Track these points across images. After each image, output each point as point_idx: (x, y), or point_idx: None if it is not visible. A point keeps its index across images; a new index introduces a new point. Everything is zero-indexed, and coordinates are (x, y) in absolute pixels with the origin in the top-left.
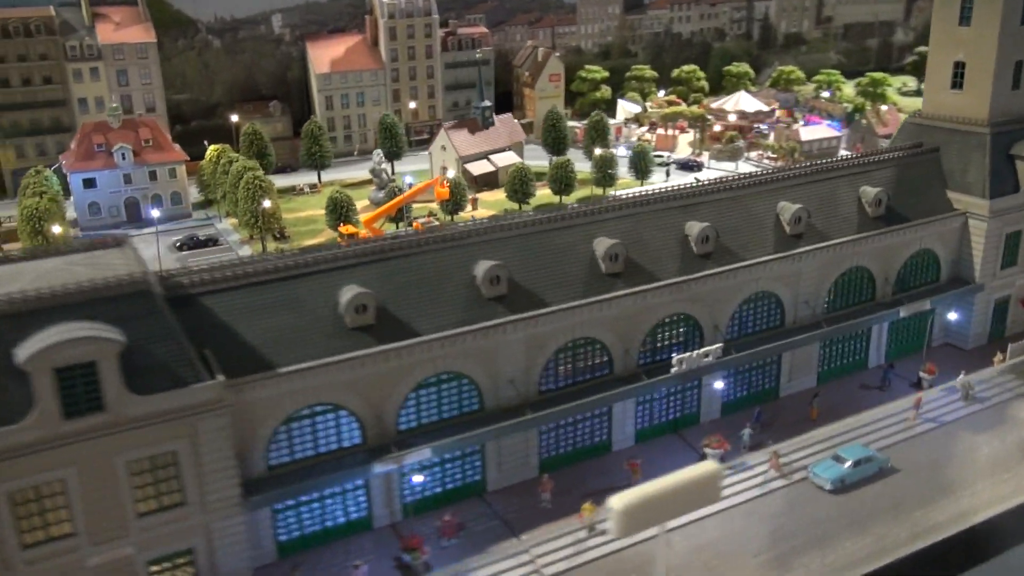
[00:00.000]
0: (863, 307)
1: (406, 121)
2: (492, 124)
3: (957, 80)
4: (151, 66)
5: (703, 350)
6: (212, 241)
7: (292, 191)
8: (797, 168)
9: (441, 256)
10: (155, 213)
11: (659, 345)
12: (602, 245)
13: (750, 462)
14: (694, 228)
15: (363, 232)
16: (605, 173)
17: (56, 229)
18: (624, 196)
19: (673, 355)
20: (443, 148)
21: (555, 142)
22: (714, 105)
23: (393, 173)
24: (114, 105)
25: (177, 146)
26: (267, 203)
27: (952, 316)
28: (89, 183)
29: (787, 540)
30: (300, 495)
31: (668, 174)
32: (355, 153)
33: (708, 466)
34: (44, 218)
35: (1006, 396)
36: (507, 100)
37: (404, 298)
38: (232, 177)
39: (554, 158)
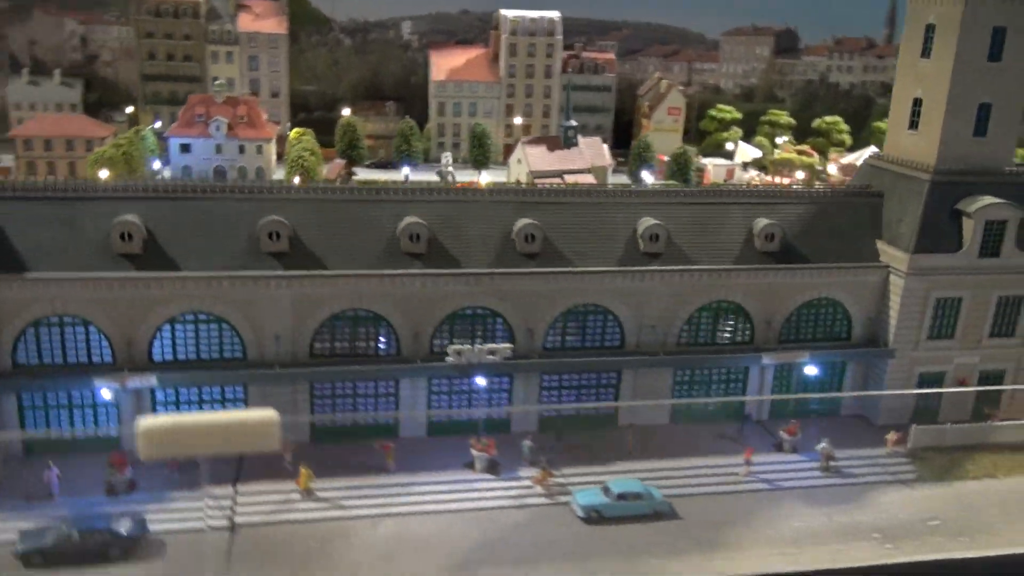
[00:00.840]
0: (734, 349)
1: (516, 137)
2: (575, 144)
3: (914, 119)
4: (280, 56)
5: (488, 346)
6: None
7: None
8: (686, 189)
9: (229, 205)
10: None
11: (460, 337)
12: (405, 224)
13: (522, 474)
14: (519, 225)
15: None
16: None
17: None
18: (447, 185)
19: (458, 345)
20: (519, 161)
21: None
22: (844, 160)
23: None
24: (220, 82)
25: (271, 126)
26: (297, 179)
27: (810, 371)
28: (185, 148)
29: (496, 553)
30: (41, 390)
31: None
32: (443, 161)
33: (265, 413)
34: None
35: (875, 478)
36: (627, 129)
37: (179, 236)
38: (292, 155)
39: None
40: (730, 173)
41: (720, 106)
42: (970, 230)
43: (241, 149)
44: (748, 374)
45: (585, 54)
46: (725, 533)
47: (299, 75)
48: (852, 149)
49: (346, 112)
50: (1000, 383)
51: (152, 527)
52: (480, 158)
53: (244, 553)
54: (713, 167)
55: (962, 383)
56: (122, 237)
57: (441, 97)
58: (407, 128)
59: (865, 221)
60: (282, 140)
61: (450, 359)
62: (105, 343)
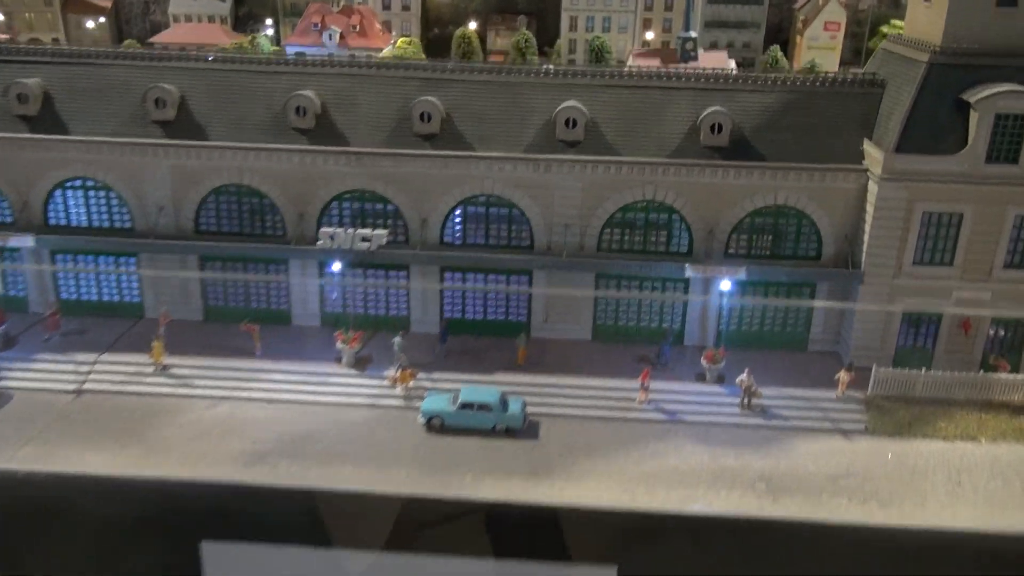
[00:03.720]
0: (665, 258)
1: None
2: (693, 58)
3: None
4: None
5: (361, 231)
6: None
7: None
8: (624, 71)
9: (126, 72)
10: None
11: (349, 222)
12: (298, 100)
13: (386, 373)
14: (417, 102)
15: None
16: None
17: None
18: (351, 59)
19: (330, 229)
20: None
21: None
22: None
23: None
24: None
25: (384, 36)
26: None
27: (725, 286)
28: (300, 56)
29: (310, 448)
30: None
31: None
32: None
33: None
34: None
35: (805, 424)
36: (782, 48)
37: (74, 101)
38: None
39: None
40: None
41: (895, 21)
42: (976, 127)
43: (352, 58)
44: (689, 289)
45: None
46: (573, 460)
47: None
48: None
49: (472, 26)
50: (1018, 329)
51: (6, 383)
52: None
53: (71, 417)
54: None
55: (964, 327)
56: (18, 99)
57: (573, 10)
58: (522, 41)
59: (856, 117)
60: None
61: (320, 243)
62: (5, 203)
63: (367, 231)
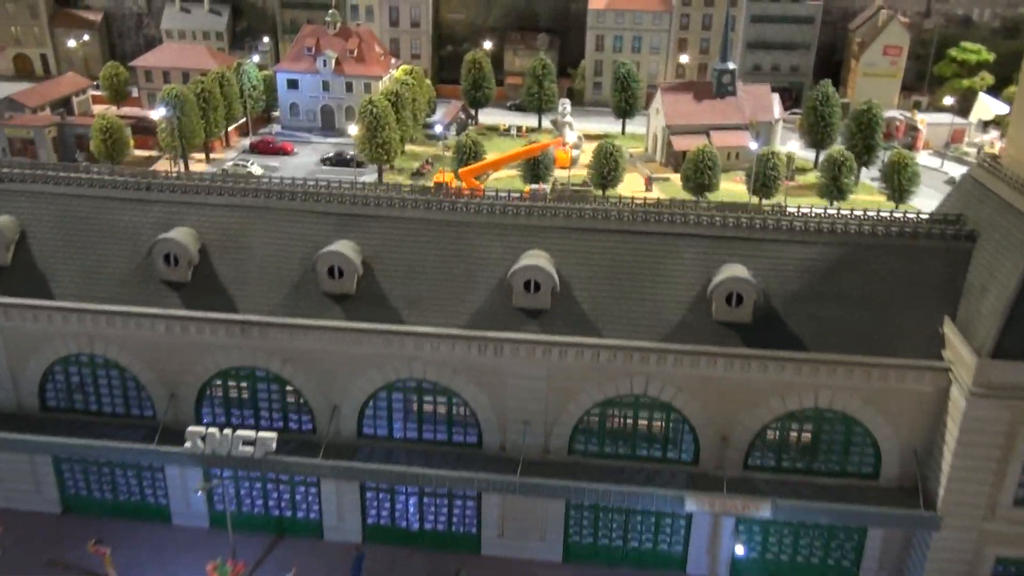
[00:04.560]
0: (659, 468)
1: (678, 77)
2: (731, 93)
3: None
4: None
5: (242, 434)
6: (358, 163)
7: (499, 131)
8: (609, 208)
9: None
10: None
11: (238, 406)
12: (168, 245)
13: None
14: (325, 252)
15: (454, 183)
16: (835, 180)
17: None
18: (248, 182)
19: (200, 428)
20: (656, 112)
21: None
22: None
23: (624, 132)
24: (333, 11)
25: (382, 61)
26: (352, 129)
27: (740, 550)
28: (292, 84)
29: None
30: None
31: None
32: (559, 110)
33: None
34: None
35: None
36: (835, 71)
37: None
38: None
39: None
40: (958, 135)
41: (965, 44)
42: None
43: (348, 87)
44: (691, 525)
45: None
46: None
47: (446, 1)
48: None
49: (487, 45)
50: None
51: None
52: (624, 105)
53: None
54: (928, 125)
55: None
56: None
57: (599, 29)
58: (539, 67)
59: (934, 282)
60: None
61: (188, 445)
62: None
63: (250, 434)
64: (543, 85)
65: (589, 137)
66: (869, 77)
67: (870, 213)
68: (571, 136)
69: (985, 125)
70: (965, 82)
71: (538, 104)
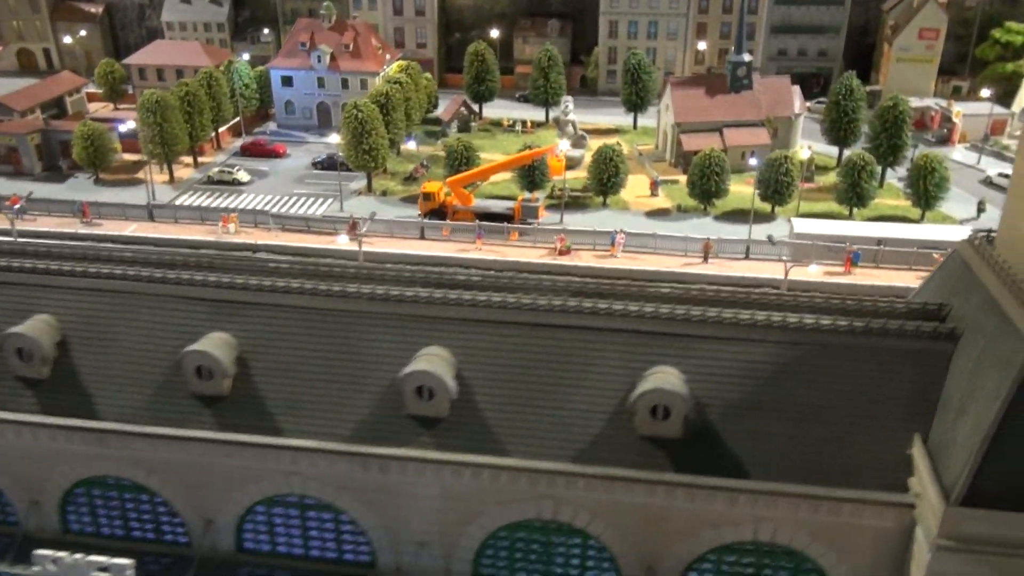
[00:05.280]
0: None
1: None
2: (747, 87)
3: None
4: None
5: (95, 559)
6: (348, 168)
7: (502, 126)
8: (530, 290)
9: None
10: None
11: (110, 516)
12: (19, 340)
13: None
14: (192, 356)
15: (443, 195)
16: (854, 186)
17: None
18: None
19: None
20: (667, 108)
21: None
22: None
23: (636, 127)
24: (327, 3)
25: (378, 56)
26: (333, 138)
27: None
28: (287, 81)
29: None
30: None
31: (982, 209)
32: (562, 107)
33: None
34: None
35: None
36: (866, 56)
37: None
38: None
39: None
40: (998, 127)
41: (1010, 24)
42: None
43: (344, 83)
44: None
45: None
46: None
47: None
48: None
49: (494, 33)
50: None
51: None
52: (634, 98)
53: None
54: (965, 116)
55: None
56: None
57: (612, 14)
58: (544, 58)
59: (904, 389)
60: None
61: (36, 569)
62: None
63: (103, 559)
64: (549, 77)
65: (599, 132)
66: (903, 63)
67: (833, 302)
68: (563, 145)
69: None
70: (1009, 66)
71: (544, 97)
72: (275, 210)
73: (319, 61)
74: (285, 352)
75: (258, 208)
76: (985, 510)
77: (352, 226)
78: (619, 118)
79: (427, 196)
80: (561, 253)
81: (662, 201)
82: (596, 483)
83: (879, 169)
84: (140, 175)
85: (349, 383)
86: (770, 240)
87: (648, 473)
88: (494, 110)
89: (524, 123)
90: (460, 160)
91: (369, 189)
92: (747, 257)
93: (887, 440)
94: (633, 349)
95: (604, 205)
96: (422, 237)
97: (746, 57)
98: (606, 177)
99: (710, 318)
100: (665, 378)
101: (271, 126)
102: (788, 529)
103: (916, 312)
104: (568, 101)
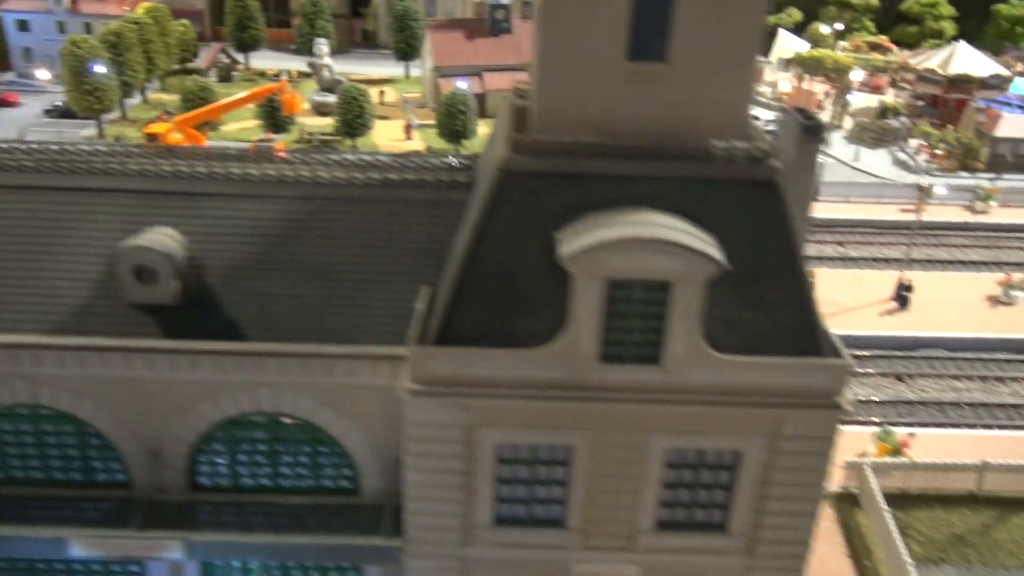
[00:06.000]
0: (90, 496)
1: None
2: (506, 30)
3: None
4: None
5: None
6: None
7: (266, 76)
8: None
9: None
10: (99, 68)
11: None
12: None
13: None
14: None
15: (170, 135)
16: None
17: None
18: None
19: None
20: (429, 53)
21: None
22: (913, 61)
23: (408, 76)
24: None
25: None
26: (42, 73)
27: None
28: (22, 25)
29: None
30: None
31: None
32: (316, 51)
33: None
34: None
35: None
36: None
37: None
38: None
39: None
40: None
41: None
42: (578, 299)
43: (88, 28)
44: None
45: None
46: None
47: None
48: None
49: None
50: None
51: None
52: (403, 46)
53: None
54: None
55: None
56: None
57: None
58: (309, 5)
59: (419, 240)
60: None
61: None
62: None
63: None
64: (314, 26)
65: (370, 83)
66: None
67: (365, 156)
68: (318, 93)
69: (787, 64)
70: (771, 19)
71: (310, 47)
72: None
73: (58, 3)
74: None
75: None
76: (451, 347)
77: None
78: (393, 68)
79: (151, 137)
80: None
81: (415, 144)
82: (67, 356)
83: None
84: None
85: None
86: None
87: (116, 340)
88: (264, 61)
89: (290, 73)
90: (194, 102)
91: (101, 135)
92: None
93: (399, 295)
94: (132, 211)
95: (353, 149)
96: None
97: (504, 0)
98: (351, 118)
99: (217, 174)
100: (150, 237)
101: (10, 76)
102: (289, 395)
103: (443, 167)
104: (322, 44)
